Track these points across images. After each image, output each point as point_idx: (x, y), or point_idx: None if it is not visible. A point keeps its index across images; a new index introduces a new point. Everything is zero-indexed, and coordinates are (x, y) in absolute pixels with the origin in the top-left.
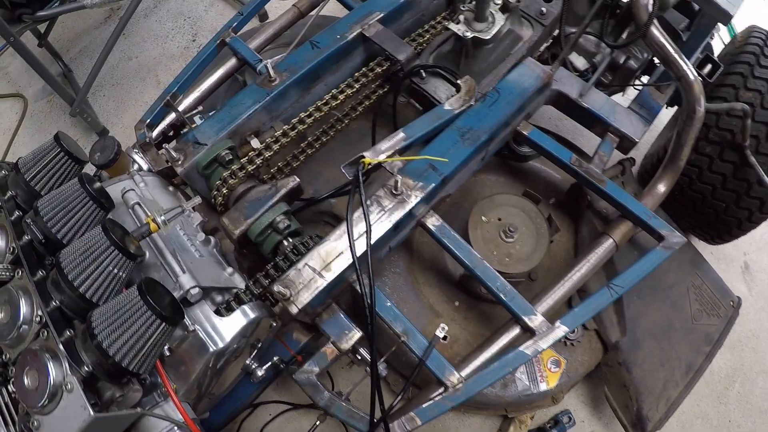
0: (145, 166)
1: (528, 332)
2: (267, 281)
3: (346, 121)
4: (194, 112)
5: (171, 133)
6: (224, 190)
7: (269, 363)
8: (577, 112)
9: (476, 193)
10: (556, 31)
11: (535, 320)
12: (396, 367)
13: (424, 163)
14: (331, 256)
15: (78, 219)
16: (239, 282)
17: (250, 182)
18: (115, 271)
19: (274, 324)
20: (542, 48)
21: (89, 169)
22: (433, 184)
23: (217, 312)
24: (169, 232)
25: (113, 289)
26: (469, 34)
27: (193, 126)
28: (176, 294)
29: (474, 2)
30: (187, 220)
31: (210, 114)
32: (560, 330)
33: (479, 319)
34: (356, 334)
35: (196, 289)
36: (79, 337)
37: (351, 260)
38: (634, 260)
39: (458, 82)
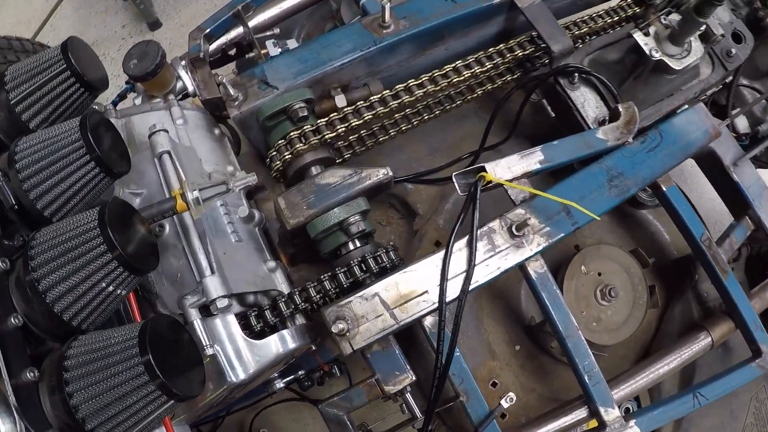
0: (190, 88)
1: (599, 424)
2: (318, 297)
3: (458, 103)
4: (267, 33)
5: (232, 53)
6: (287, 155)
7: (291, 377)
8: (721, 181)
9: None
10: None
11: (611, 414)
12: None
13: (558, 203)
14: (412, 293)
15: (72, 184)
16: (281, 283)
17: (321, 152)
18: (111, 289)
19: (314, 347)
20: (708, 93)
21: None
22: (562, 234)
23: (247, 328)
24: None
25: (105, 313)
26: (657, 56)
27: (263, 53)
28: (194, 299)
29: (679, 20)
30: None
31: (288, 47)
32: (633, 431)
33: (536, 373)
34: (408, 378)
35: (225, 301)
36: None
37: (435, 306)
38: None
39: (618, 106)
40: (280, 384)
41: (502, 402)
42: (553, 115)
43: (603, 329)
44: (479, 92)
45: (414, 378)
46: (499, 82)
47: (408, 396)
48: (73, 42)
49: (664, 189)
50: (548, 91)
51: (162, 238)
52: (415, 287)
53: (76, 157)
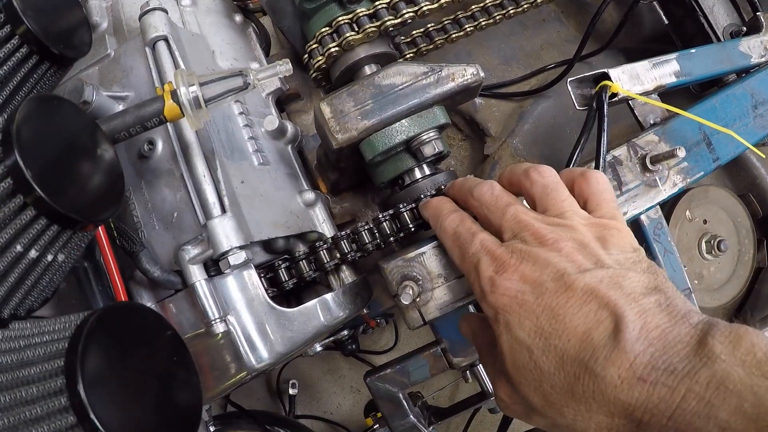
0: None
1: None
2: (374, 243)
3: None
4: None
5: None
6: (332, 47)
7: (330, 337)
8: None
9: None
10: None
11: None
12: None
13: (697, 130)
14: None
15: None
16: (321, 222)
17: (378, 45)
18: (33, 255)
19: (366, 311)
20: None
21: None
22: (702, 173)
23: (274, 285)
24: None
25: (39, 291)
26: None
27: None
28: (195, 251)
29: None
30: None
31: None
32: None
33: None
34: None
35: (241, 255)
36: None
37: None
38: None
39: (759, 16)
40: (317, 347)
41: None
42: (666, 21)
43: (704, 288)
44: None
45: None
46: None
47: (479, 369)
48: None
49: None
50: None
51: (152, 161)
52: None
53: None
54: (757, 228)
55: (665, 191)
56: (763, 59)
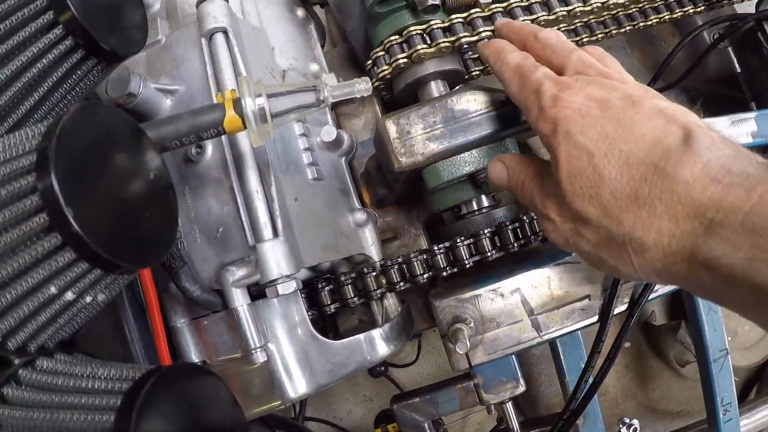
0: None
1: None
2: (422, 276)
3: (626, 29)
4: None
5: None
6: (400, 58)
7: None
8: None
9: None
10: None
11: None
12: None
13: None
14: (568, 296)
15: (25, 65)
16: (370, 244)
17: (449, 61)
18: (70, 297)
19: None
20: None
21: None
22: None
23: (314, 305)
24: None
25: (68, 328)
26: None
27: None
28: (240, 273)
29: None
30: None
31: None
32: None
33: (641, 377)
34: (518, 388)
35: (291, 285)
36: None
37: (595, 319)
38: None
39: None
40: None
41: (623, 430)
42: (738, 69)
43: (737, 346)
44: (653, 20)
45: (523, 389)
46: (679, 13)
47: (509, 407)
48: None
49: None
50: (741, 38)
51: (199, 166)
52: (574, 288)
53: (31, 14)
54: None
55: None
56: None
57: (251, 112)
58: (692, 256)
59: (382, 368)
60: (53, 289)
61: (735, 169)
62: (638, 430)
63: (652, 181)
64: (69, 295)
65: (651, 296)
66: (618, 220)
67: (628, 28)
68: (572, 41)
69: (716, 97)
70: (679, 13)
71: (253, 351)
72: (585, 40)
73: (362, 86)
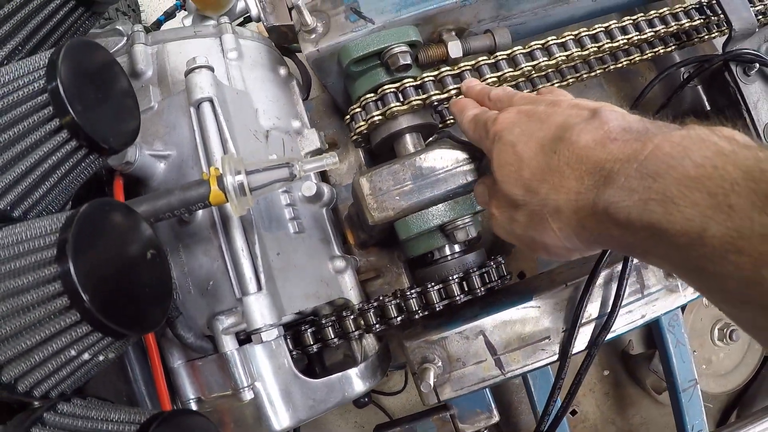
0: (254, 10)
1: None
2: (396, 318)
3: (597, 73)
4: None
5: None
6: (376, 115)
7: None
8: None
9: None
10: None
11: None
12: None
13: None
14: (529, 337)
15: (36, 163)
16: (349, 288)
17: (421, 116)
18: (87, 357)
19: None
20: None
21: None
22: None
23: (298, 346)
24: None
25: (83, 379)
26: None
27: None
28: (229, 322)
29: None
30: (291, 141)
31: None
32: None
33: (620, 404)
34: (492, 419)
35: (273, 332)
36: None
37: (555, 358)
38: None
39: None
40: None
41: None
42: (708, 107)
43: (711, 374)
44: (624, 62)
45: (497, 419)
46: (650, 54)
47: None
48: None
49: None
50: (710, 77)
51: (191, 227)
52: (535, 330)
53: (40, 121)
54: None
55: (685, 296)
56: None
57: (232, 188)
58: (595, 207)
59: (365, 399)
60: (73, 352)
61: (635, 127)
62: None
63: (560, 152)
64: (86, 356)
65: (608, 336)
66: (536, 192)
67: (598, 71)
68: (545, 85)
69: None
70: (650, 54)
71: (242, 390)
72: (556, 84)
73: (330, 161)
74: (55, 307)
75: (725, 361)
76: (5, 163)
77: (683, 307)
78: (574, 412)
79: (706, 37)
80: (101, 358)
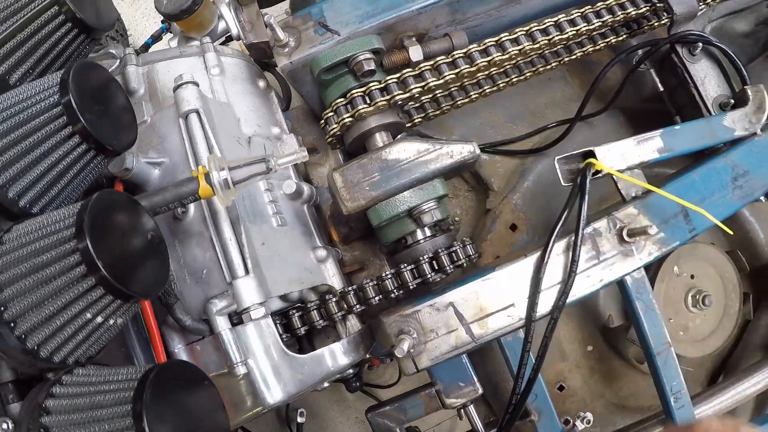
0: (234, 29)
1: None
2: (377, 298)
3: (552, 64)
4: None
5: None
6: (346, 117)
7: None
8: None
9: None
10: None
11: None
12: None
13: (675, 203)
14: (495, 306)
15: (51, 165)
16: (332, 275)
17: (389, 115)
18: (100, 320)
19: (367, 356)
20: None
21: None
22: (678, 243)
23: (288, 330)
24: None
25: (98, 344)
26: None
27: None
28: (221, 304)
29: None
30: (272, 146)
31: None
32: None
33: (607, 377)
34: (475, 391)
35: (261, 310)
36: None
37: (521, 323)
38: None
39: (746, 89)
40: (325, 384)
41: (578, 423)
42: (662, 88)
43: (689, 339)
44: (578, 54)
45: (481, 392)
46: (601, 45)
47: (471, 409)
48: None
49: None
50: (660, 60)
51: (184, 223)
52: (499, 299)
53: (55, 129)
54: (745, 282)
55: (641, 260)
56: (747, 132)
57: (218, 183)
58: None
59: (357, 384)
60: (89, 315)
61: None
62: (591, 421)
63: None
64: (99, 319)
65: (568, 299)
66: None
67: (554, 64)
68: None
69: (649, 113)
70: (602, 44)
71: (236, 365)
72: (515, 79)
73: (300, 155)
74: (74, 275)
75: (702, 326)
76: (26, 166)
77: (653, 278)
78: (561, 388)
79: (656, 23)
80: (111, 321)
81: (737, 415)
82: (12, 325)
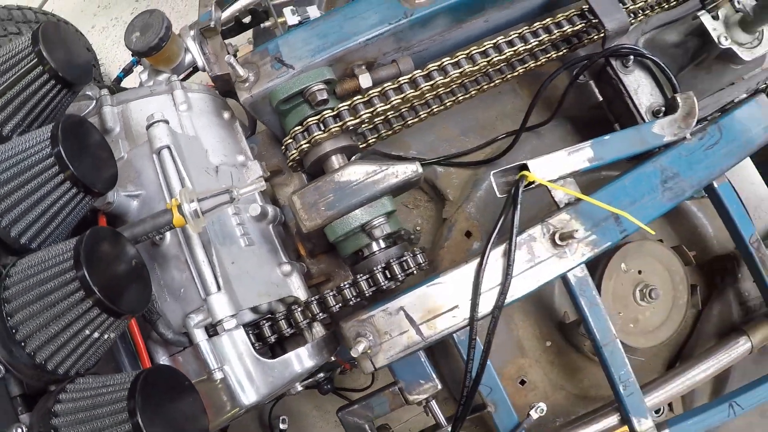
0: (200, 62)
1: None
2: (337, 306)
3: (496, 81)
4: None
5: (247, 20)
6: (303, 143)
7: (310, 379)
8: None
9: None
10: None
11: (644, 425)
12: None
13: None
14: (441, 308)
15: (48, 207)
16: (297, 288)
17: (342, 139)
18: (97, 336)
19: (333, 359)
20: None
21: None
22: (609, 243)
23: (260, 339)
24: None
25: (96, 356)
26: (726, 43)
27: (281, 21)
28: (198, 318)
29: (755, 4)
30: (238, 173)
31: (309, 15)
32: None
33: (566, 370)
34: (434, 387)
35: (233, 321)
36: None
37: (466, 323)
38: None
39: (676, 96)
40: (298, 387)
41: (532, 413)
42: (601, 99)
43: (640, 331)
44: (520, 70)
45: (440, 387)
46: (543, 60)
47: (433, 404)
48: (47, 30)
49: (716, 186)
50: (597, 72)
51: (162, 248)
52: (444, 301)
53: (49, 177)
54: (694, 275)
55: (575, 261)
56: (676, 137)
57: (189, 213)
58: None
59: (328, 386)
60: (87, 331)
61: None
62: (545, 411)
63: None
64: (96, 335)
65: (507, 300)
66: None
67: (498, 81)
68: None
69: (596, 121)
70: (543, 60)
71: (213, 371)
72: (461, 97)
73: (259, 185)
74: (74, 299)
75: (652, 318)
76: (26, 209)
77: (600, 276)
78: (523, 382)
79: (595, 37)
80: (105, 336)
81: (695, 400)
82: (23, 344)
